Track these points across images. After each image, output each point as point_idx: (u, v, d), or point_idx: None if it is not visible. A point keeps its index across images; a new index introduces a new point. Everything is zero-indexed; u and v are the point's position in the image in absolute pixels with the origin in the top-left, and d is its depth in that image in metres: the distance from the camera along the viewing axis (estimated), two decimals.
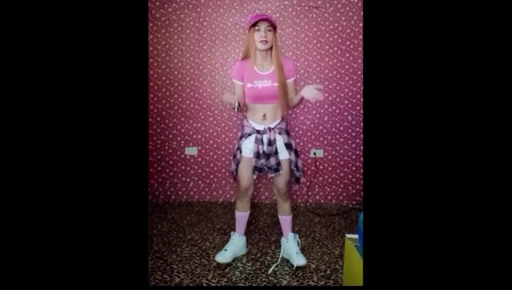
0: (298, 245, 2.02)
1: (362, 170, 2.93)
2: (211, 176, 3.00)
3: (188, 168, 2.99)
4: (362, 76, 2.82)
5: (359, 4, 2.74)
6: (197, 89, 2.88)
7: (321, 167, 2.95)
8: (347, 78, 2.82)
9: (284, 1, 2.76)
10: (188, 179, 3.01)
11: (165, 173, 3.00)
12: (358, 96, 2.84)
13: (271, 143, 1.86)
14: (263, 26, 1.76)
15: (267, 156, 1.88)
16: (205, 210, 2.83)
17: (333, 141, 2.91)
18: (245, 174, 1.94)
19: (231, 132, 2.92)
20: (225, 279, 1.83)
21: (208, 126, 2.92)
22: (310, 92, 1.73)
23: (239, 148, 1.94)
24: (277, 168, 1.88)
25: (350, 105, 2.86)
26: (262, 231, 2.44)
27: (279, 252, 2.10)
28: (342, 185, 2.97)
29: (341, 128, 2.89)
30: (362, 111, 2.86)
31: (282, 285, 1.79)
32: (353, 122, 2.88)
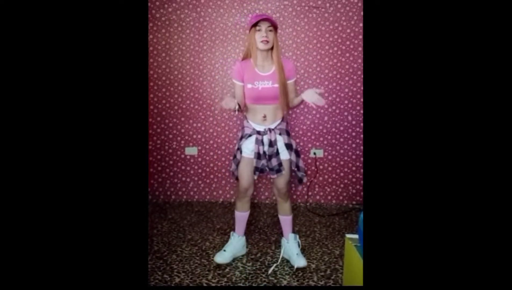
0: (299, 245, 2.02)
1: (362, 170, 2.93)
2: (211, 176, 3.00)
3: (188, 168, 2.99)
4: (362, 76, 2.82)
5: (359, 4, 2.74)
6: (197, 89, 2.88)
7: (321, 167, 2.95)
8: (347, 78, 2.82)
9: (284, 1, 2.76)
10: (188, 179, 3.01)
11: (165, 173, 3.00)
12: (358, 96, 2.84)
13: (272, 144, 1.86)
14: (264, 26, 1.75)
15: (269, 157, 1.88)
16: (205, 210, 2.83)
17: (333, 141, 2.91)
18: (245, 174, 1.93)
19: (231, 132, 2.92)
20: (225, 279, 1.83)
21: (208, 126, 2.92)
22: (311, 96, 1.73)
23: (239, 149, 1.93)
24: (279, 169, 1.88)
25: (350, 105, 2.86)
26: (262, 231, 2.44)
27: (279, 252, 2.10)
28: (342, 185, 2.97)
29: (341, 128, 2.89)
30: (362, 111, 2.86)
31: (282, 285, 1.79)
32: (353, 122, 2.88)
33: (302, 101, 1.89)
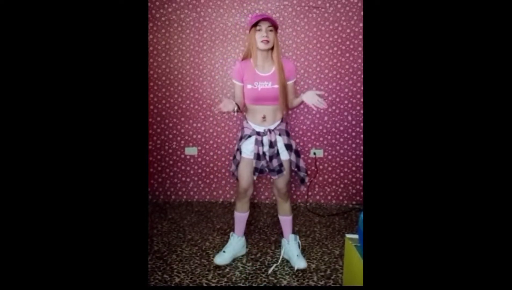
0: (299, 246, 2.02)
1: (362, 170, 2.93)
2: (211, 176, 3.00)
3: (188, 168, 2.99)
4: (362, 76, 2.82)
5: (359, 4, 2.74)
6: (197, 89, 2.88)
7: (321, 167, 2.95)
8: (347, 78, 2.82)
9: (284, 1, 2.76)
10: (188, 179, 3.01)
11: (165, 173, 3.00)
12: (358, 96, 2.84)
13: (272, 145, 1.86)
14: (264, 26, 1.74)
15: (269, 158, 1.88)
16: (205, 210, 2.83)
17: (333, 141, 2.91)
18: (245, 175, 1.93)
19: (231, 132, 2.92)
20: (225, 279, 1.83)
21: (208, 126, 2.92)
22: (311, 98, 1.72)
23: (238, 149, 1.93)
24: (280, 170, 1.87)
25: (350, 105, 2.86)
26: (262, 231, 2.44)
27: (279, 252, 2.10)
28: (342, 185, 2.97)
29: (341, 128, 2.89)
30: (362, 111, 2.86)
31: (282, 285, 1.79)
32: (353, 122, 2.88)
33: (302, 102, 1.88)
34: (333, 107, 2.86)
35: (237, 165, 1.96)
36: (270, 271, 1.91)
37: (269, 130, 1.86)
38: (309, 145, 2.93)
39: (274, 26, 1.77)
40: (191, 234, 2.38)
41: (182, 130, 2.94)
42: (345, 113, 2.87)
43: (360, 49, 2.78)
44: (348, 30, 2.77)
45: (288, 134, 1.92)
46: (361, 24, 2.75)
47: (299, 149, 2.89)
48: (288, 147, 1.89)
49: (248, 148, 1.90)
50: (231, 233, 2.09)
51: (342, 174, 2.95)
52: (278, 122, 1.90)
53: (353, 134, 2.89)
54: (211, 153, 2.96)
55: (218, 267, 1.95)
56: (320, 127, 2.90)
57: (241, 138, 1.92)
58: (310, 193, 2.99)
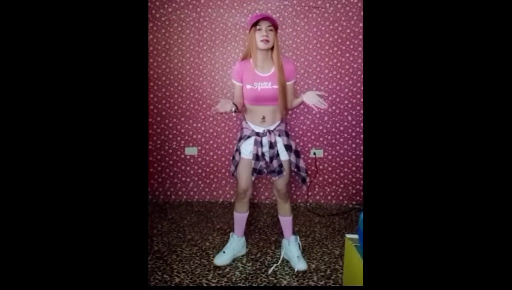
0: (299, 248, 2.02)
1: (362, 170, 2.93)
2: (211, 176, 3.00)
3: (188, 168, 2.99)
4: (362, 76, 2.82)
5: (359, 4, 2.74)
6: (197, 89, 2.88)
7: (321, 167, 2.95)
8: (347, 78, 2.82)
9: (284, 1, 2.76)
10: (188, 179, 3.01)
11: (165, 173, 3.00)
12: (358, 96, 2.84)
13: (272, 146, 1.85)
14: (264, 25, 1.73)
15: (270, 159, 1.87)
16: (205, 210, 2.83)
17: (333, 141, 2.91)
18: (244, 175, 1.93)
19: (231, 132, 2.92)
20: (225, 279, 1.83)
21: (208, 126, 2.92)
22: (312, 98, 1.70)
23: (238, 150, 1.93)
24: (280, 170, 1.87)
25: (350, 105, 2.86)
26: (262, 231, 2.44)
27: (279, 252, 2.10)
28: (342, 185, 2.97)
29: (341, 128, 2.89)
30: (362, 111, 2.86)
31: (282, 285, 1.79)
32: (353, 122, 2.88)
33: (302, 102, 1.87)
34: (333, 107, 2.86)
35: (236, 166, 1.96)
36: (270, 271, 1.91)
37: (269, 131, 1.85)
38: (309, 145, 2.93)
39: (274, 26, 1.76)
40: (191, 234, 2.38)
41: (182, 130, 2.94)
42: (345, 113, 2.87)
43: (360, 49, 2.78)
44: (348, 30, 2.77)
45: (287, 135, 1.91)
46: (361, 24, 2.75)
47: (299, 149, 2.89)
48: (288, 147, 1.89)
49: (247, 149, 1.89)
50: (231, 233, 2.09)
51: (342, 174, 2.95)
52: (278, 122, 1.89)
53: (353, 134, 2.89)
54: (211, 153, 2.96)
55: (218, 267, 1.95)
56: (320, 127, 2.90)
57: (240, 139, 1.92)
58: (310, 193, 2.99)
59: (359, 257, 1.25)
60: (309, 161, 2.94)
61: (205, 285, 1.78)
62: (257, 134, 1.86)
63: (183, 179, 3.01)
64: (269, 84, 1.79)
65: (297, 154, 1.92)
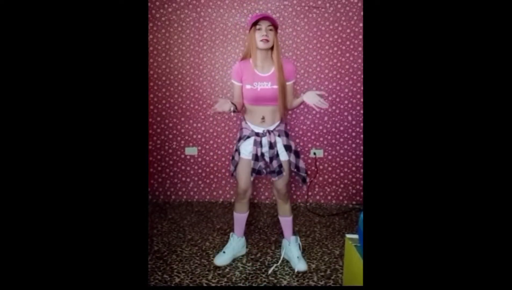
0: (300, 248, 2.01)
1: (362, 170, 2.93)
2: (211, 176, 3.00)
3: (188, 168, 2.99)
4: (362, 76, 2.82)
5: (359, 4, 2.74)
6: (197, 89, 2.88)
7: (321, 167, 2.95)
8: (347, 78, 2.82)
9: (284, 1, 2.76)
10: (188, 179, 3.01)
11: (165, 173, 3.00)
12: (358, 96, 2.84)
13: (272, 146, 1.84)
14: (264, 25, 1.72)
15: (270, 159, 1.87)
16: (205, 210, 2.83)
17: (333, 141, 2.91)
18: (244, 176, 1.92)
19: (231, 132, 2.92)
20: (225, 279, 1.83)
21: (208, 126, 2.92)
22: (312, 98, 1.69)
23: (237, 150, 1.92)
24: (279, 171, 1.87)
25: (350, 105, 2.86)
26: (262, 231, 2.44)
27: (279, 252, 2.10)
28: (342, 185, 2.97)
29: (341, 128, 2.89)
30: (362, 111, 2.86)
31: (282, 285, 1.79)
32: (353, 122, 2.88)
33: (302, 103, 1.87)
34: (333, 107, 2.86)
35: (235, 166, 1.95)
36: (270, 271, 1.91)
37: (268, 131, 1.85)
38: (309, 145, 2.93)
39: (274, 26, 1.75)
40: (191, 234, 2.38)
41: (182, 130, 2.94)
42: (345, 113, 2.87)
43: (360, 49, 2.78)
44: (348, 30, 2.77)
45: (287, 135, 1.91)
46: (361, 24, 2.75)
47: (299, 149, 2.89)
48: (288, 148, 1.88)
49: (247, 149, 1.88)
50: (231, 233, 2.09)
51: (342, 174, 2.95)
52: (277, 123, 1.89)
53: (353, 134, 2.89)
54: (211, 153, 2.96)
55: (218, 267, 1.95)
56: (320, 127, 2.90)
57: (239, 139, 1.91)
58: (310, 193, 2.99)
59: (359, 257, 1.25)
60: (309, 161, 2.94)
61: (205, 285, 1.78)
62: (257, 134, 1.86)
63: (183, 179, 3.01)
64: (269, 84, 1.79)
65: (297, 154, 1.92)
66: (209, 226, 2.52)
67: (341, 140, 2.90)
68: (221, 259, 1.97)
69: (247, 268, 1.95)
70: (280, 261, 1.98)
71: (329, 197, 2.99)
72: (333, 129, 2.89)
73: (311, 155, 2.93)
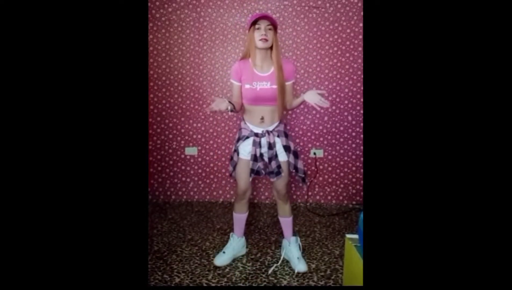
0: (300, 248, 2.01)
1: (362, 170, 2.93)
2: (211, 176, 3.00)
3: (188, 168, 2.99)
4: (362, 76, 2.82)
5: (359, 4, 2.74)
6: (197, 89, 2.88)
7: (321, 167, 2.95)
8: (347, 78, 2.82)
9: (284, 1, 2.76)
10: (188, 179, 3.01)
11: (165, 173, 3.00)
12: (358, 96, 2.84)
13: (271, 146, 1.84)
14: (263, 24, 1.71)
15: (268, 160, 1.86)
16: (205, 210, 2.83)
17: (333, 141, 2.91)
18: (243, 176, 1.91)
19: (231, 132, 2.92)
20: (225, 279, 1.83)
21: (208, 126, 2.92)
22: (313, 97, 1.69)
23: (236, 150, 1.92)
24: (278, 171, 1.86)
25: (350, 105, 2.86)
26: (262, 231, 2.44)
27: (279, 252, 2.10)
28: (342, 185, 2.97)
29: (341, 128, 2.89)
30: (362, 111, 2.86)
31: (282, 285, 1.79)
32: (353, 122, 2.88)
33: (302, 102, 1.87)
34: (333, 107, 2.87)
35: (234, 167, 1.95)
36: (270, 271, 1.91)
37: (268, 132, 1.85)
38: (309, 145, 2.93)
39: (274, 25, 1.74)
40: (191, 234, 2.38)
41: (182, 130, 2.94)
42: (345, 113, 2.87)
43: (360, 49, 2.78)
44: (348, 30, 2.77)
45: (286, 135, 1.90)
46: (361, 24, 2.75)
47: (299, 149, 2.89)
48: (287, 148, 1.88)
49: (246, 149, 1.88)
50: (231, 233, 2.08)
51: (342, 174, 2.95)
52: (277, 123, 1.88)
53: (353, 134, 2.89)
54: (211, 153, 2.96)
55: (218, 267, 1.95)
56: (320, 127, 2.90)
57: (238, 139, 1.90)
58: (310, 193, 2.99)
59: (359, 257, 1.25)
60: (309, 161, 2.94)
61: (205, 285, 1.78)
62: (256, 134, 1.85)
63: (183, 179, 3.01)
64: (268, 83, 1.78)
65: (296, 155, 1.91)
66: (209, 226, 2.52)
67: (341, 140, 2.90)
68: (221, 259, 1.97)
69: (247, 268, 1.95)
70: (280, 261, 1.98)
71: (329, 197, 2.99)
72: (333, 129, 2.89)
73: (311, 155, 2.93)
